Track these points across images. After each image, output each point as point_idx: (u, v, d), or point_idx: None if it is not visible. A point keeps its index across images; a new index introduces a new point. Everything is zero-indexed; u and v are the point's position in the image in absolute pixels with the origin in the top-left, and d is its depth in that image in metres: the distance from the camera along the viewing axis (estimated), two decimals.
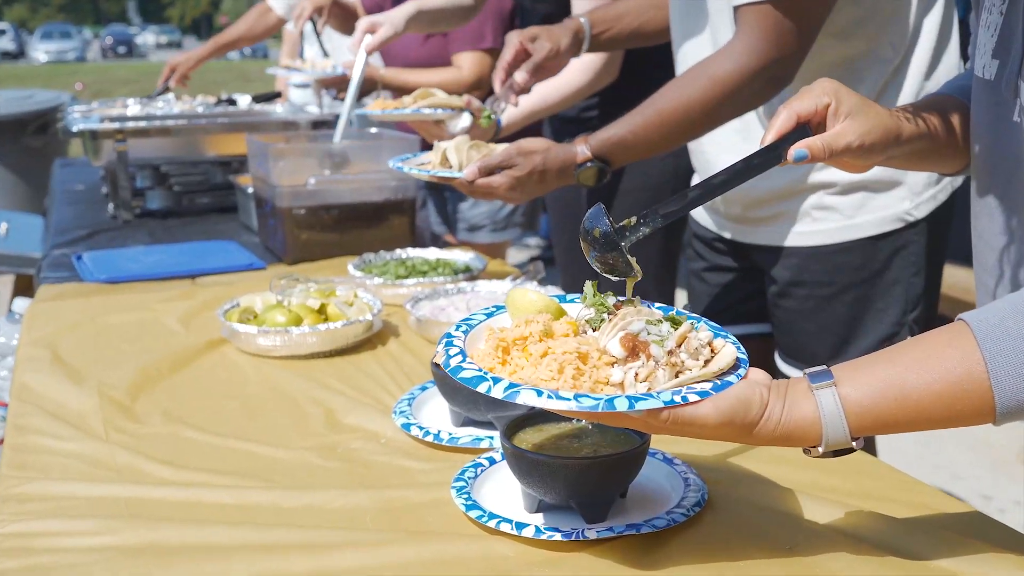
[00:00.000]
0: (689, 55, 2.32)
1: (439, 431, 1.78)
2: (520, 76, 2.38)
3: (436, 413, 1.91)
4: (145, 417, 1.92)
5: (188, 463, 1.72)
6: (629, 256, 1.34)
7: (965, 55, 1.87)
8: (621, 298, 1.37)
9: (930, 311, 2.33)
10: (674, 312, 1.35)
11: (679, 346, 1.25)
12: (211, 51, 5.30)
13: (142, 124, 3.82)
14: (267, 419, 1.92)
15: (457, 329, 1.36)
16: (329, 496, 1.58)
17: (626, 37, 2.58)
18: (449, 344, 1.31)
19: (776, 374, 2.40)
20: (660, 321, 1.29)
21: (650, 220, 1.35)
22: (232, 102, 4.55)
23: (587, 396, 1.17)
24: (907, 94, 2.14)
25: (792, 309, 2.32)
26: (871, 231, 2.21)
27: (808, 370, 1.25)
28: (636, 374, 1.23)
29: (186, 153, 3.90)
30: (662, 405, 1.17)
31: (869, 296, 2.24)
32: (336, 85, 4.20)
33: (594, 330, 1.32)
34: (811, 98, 1.41)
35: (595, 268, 1.37)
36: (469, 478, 1.59)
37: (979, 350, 1.16)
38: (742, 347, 1.31)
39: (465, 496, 1.53)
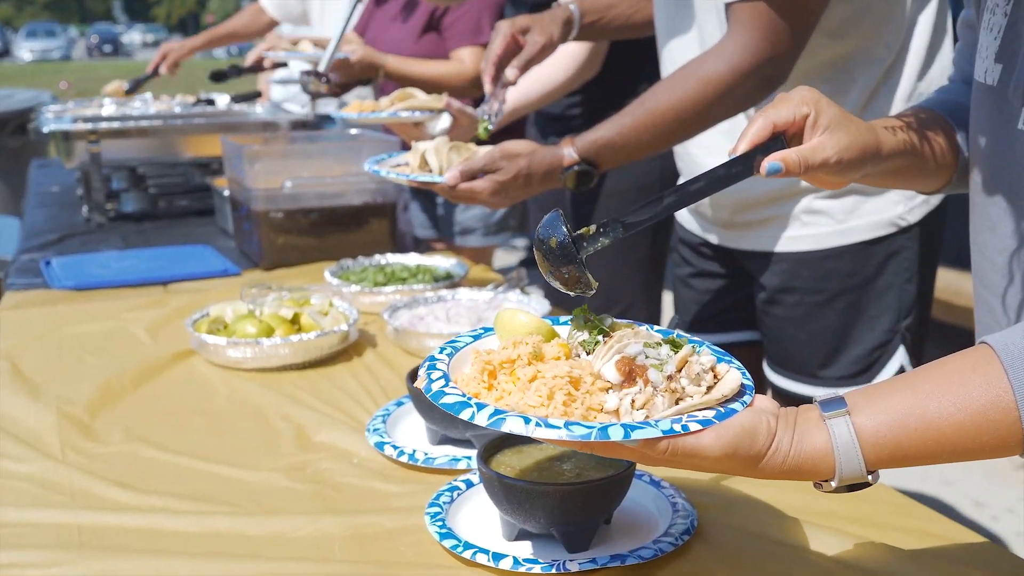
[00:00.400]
0: (675, 50, 2.26)
1: (414, 451, 1.69)
2: (511, 72, 2.29)
3: (412, 430, 1.82)
4: (105, 435, 1.83)
5: (148, 486, 1.62)
6: (586, 270, 1.24)
7: None
8: (618, 319, 1.28)
9: (923, 318, 2.28)
10: (674, 335, 1.25)
11: (679, 371, 1.15)
12: (204, 42, 5.21)
13: (116, 125, 3.72)
14: (234, 437, 1.83)
15: (441, 352, 1.26)
16: (296, 523, 1.49)
17: (616, 27, 2.51)
18: (432, 368, 1.21)
19: (765, 383, 2.35)
20: (659, 344, 1.20)
21: (611, 230, 1.24)
22: (211, 102, 4.45)
23: (579, 424, 1.07)
24: (900, 95, 2.09)
25: (781, 316, 2.26)
26: (863, 236, 2.15)
27: (819, 397, 1.15)
28: (633, 401, 1.13)
29: (163, 154, 3.81)
30: (660, 435, 1.07)
31: (861, 303, 2.19)
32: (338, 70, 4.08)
33: (588, 353, 1.23)
34: (789, 107, 1.31)
35: (549, 282, 1.26)
36: (444, 503, 1.50)
37: (1006, 377, 1.06)
38: (747, 373, 1.21)
39: (439, 523, 1.44)
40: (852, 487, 1.13)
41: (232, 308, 2.31)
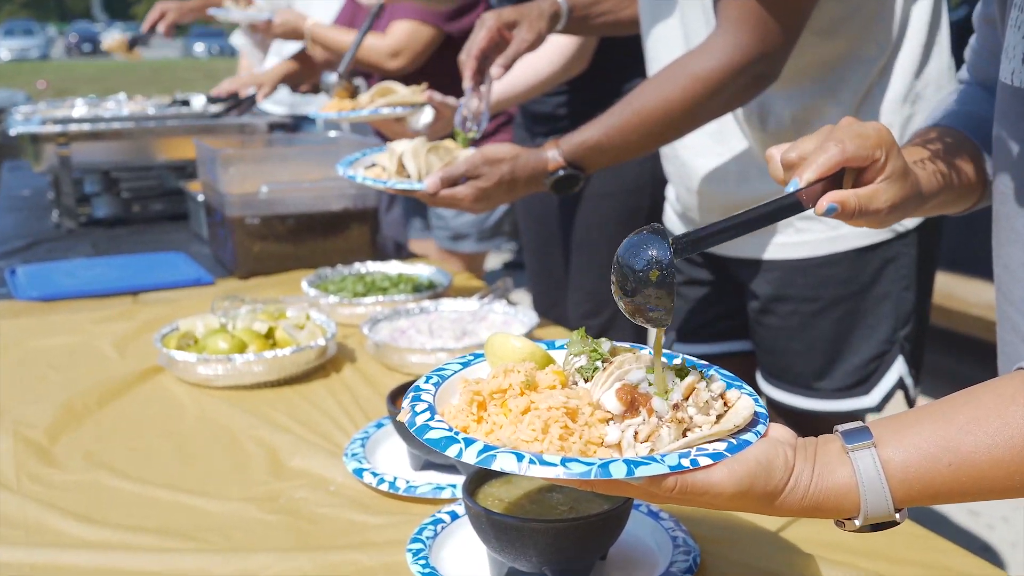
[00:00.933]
0: (659, 45, 2.20)
1: (395, 478, 1.58)
2: (496, 71, 2.20)
3: (393, 455, 1.71)
4: (64, 461, 1.71)
5: (108, 518, 1.51)
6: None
7: (958, 58, 1.75)
8: (617, 343, 1.16)
9: (922, 326, 2.22)
10: (682, 360, 1.14)
11: (686, 399, 1.04)
12: (201, 4, 5.08)
13: (87, 127, 3.59)
14: (202, 462, 1.72)
15: (427, 381, 1.15)
16: (267, 560, 1.38)
17: (603, 23, 2.42)
18: (416, 399, 1.10)
19: (758, 395, 2.22)
20: (664, 370, 1.09)
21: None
22: (186, 103, 4.33)
23: (577, 460, 0.95)
24: (894, 95, 2.03)
25: (775, 326, 2.20)
26: (858, 242, 2.09)
27: (842, 427, 1.03)
28: (636, 433, 1.01)
29: (136, 157, 3.69)
30: (667, 471, 0.96)
31: (857, 312, 2.13)
32: (263, 30, 4.04)
33: (586, 380, 1.11)
34: (866, 146, 1.20)
35: (629, 312, 1.09)
36: (428, 538, 1.39)
37: None
38: (760, 400, 1.10)
39: (422, 562, 1.33)
40: (877, 526, 1.02)
41: (203, 322, 2.19)
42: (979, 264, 4.55)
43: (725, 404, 1.07)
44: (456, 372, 1.18)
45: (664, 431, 1.01)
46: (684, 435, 1.02)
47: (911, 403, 2.21)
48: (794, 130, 2.02)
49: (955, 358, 4.75)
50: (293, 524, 1.49)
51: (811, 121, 2.02)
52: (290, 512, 1.53)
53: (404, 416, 1.07)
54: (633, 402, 1.03)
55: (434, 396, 1.11)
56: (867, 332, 2.13)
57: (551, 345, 1.23)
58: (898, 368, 2.15)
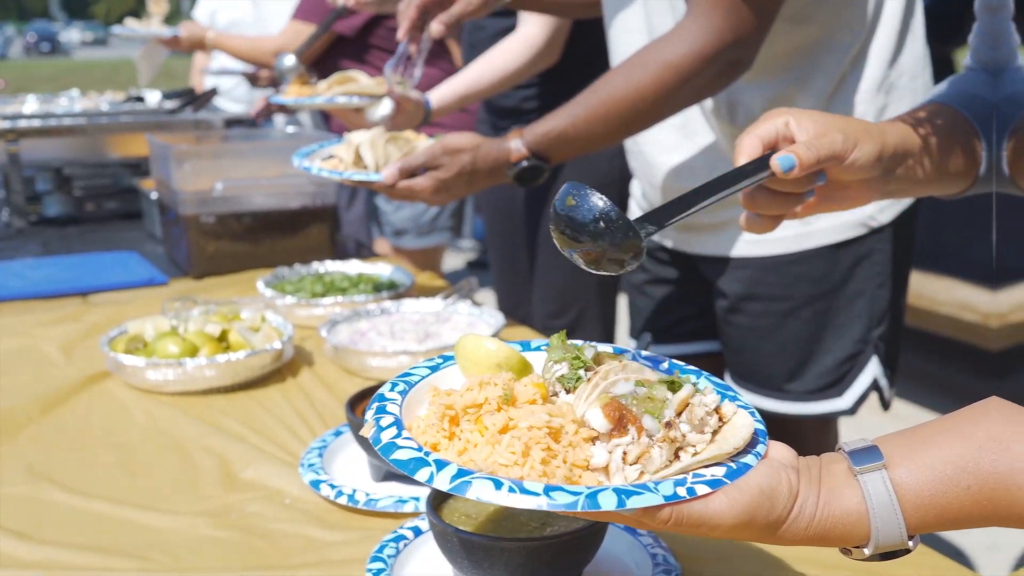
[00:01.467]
0: (622, 34, 2.11)
1: (354, 490, 1.49)
2: (436, 27, 2.09)
3: (352, 464, 1.62)
4: (4, 474, 1.61)
5: (48, 536, 1.41)
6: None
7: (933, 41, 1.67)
8: (601, 348, 1.07)
9: (897, 326, 2.15)
10: (676, 371, 1.05)
11: (679, 415, 0.96)
12: None
13: (36, 123, 3.48)
14: (150, 475, 1.62)
15: (392, 389, 1.05)
16: None
17: (555, 3, 2.35)
18: (381, 410, 1.00)
19: None
20: (656, 383, 0.99)
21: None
22: (140, 99, 4.22)
23: (562, 490, 0.86)
24: (868, 83, 1.96)
25: (745, 326, 2.13)
26: (831, 238, 2.01)
27: (848, 444, 0.94)
28: (624, 454, 0.92)
29: (89, 155, 3.58)
30: (662, 501, 0.87)
31: (830, 311, 2.05)
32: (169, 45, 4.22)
33: (567, 391, 1.02)
34: (767, 122, 1.19)
35: (588, 263, 1.03)
36: (389, 556, 1.30)
37: None
38: (756, 413, 1.01)
39: None
40: (887, 555, 0.94)
41: (153, 324, 2.09)
42: (948, 261, 4.53)
43: (720, 419, 0.98)
44: (424, 378, 1.09)
45: (655, 451, 0.92)
46: (677, 455, 0.94)
47: (886, 405, 2.15)
48: None
49: (923, 358, 4.70)
50: (246, 542, 1.40)
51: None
52: (242, 528, 1.44)
53: (368, 431, 0.97)
54: (621, 419, 0.94)
55: (400, 407, 1.01)
56: (840, 332, 2.07)
57: (526, 346, 1.14)
58: (872, 369, 2.08)
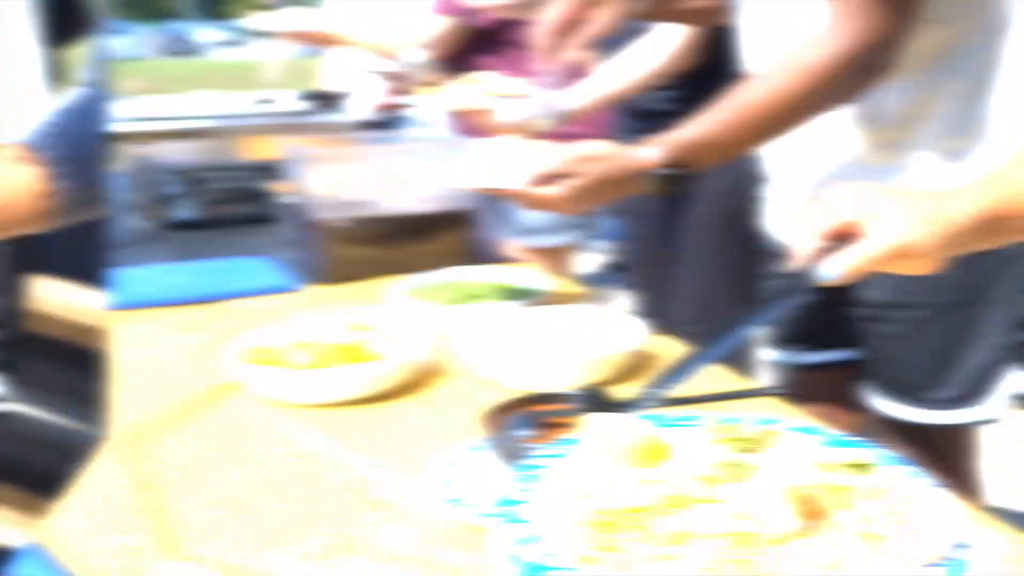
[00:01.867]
0: (757, 36, 2.10)
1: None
2: (575, 55, 2.07)
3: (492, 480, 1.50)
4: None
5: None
6: None
7: None
8: (755, 424, 0.92)
9: None
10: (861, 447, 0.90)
11: (873, 504, 0.79)
12: None
13: (165, 126, 3.48)
14: (275, 496, 1.51)
15: (521, 487, 0.91)
16: None
17: (679, 12, 2.38)
18: (511, 518, 0.85)
19: (860, 409, 2.18)
20: (840, 466, 0.83)
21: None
22: (269, 101, 4.22)
23: None
24: (1007, 86, 1.91)
25: (886, 334, 2.08)
26: None
27: None
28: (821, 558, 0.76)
29: (218, 157, 3.58)
30: None
31: (972, 317, 2.02)
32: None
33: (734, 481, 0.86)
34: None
35: None
36: None
37: None
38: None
39: None
40: None
41: (284, 333, 2.04)
42: None
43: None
44: (551, 468, 0.94)
45: (856, 553, 0.76)
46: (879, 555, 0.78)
47: None
48: (905, 127, 1.93)
49: None
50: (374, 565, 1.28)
51: (923, 116, 1.92)
52: (372, 552, 1.32)
53: (500, 549, 0.83)
54: (813, 512, 0.79)
55: (537, 513, 0.86)
56: (982, 338, 2.03)
57: (661, 422, 0.98)
58: (1015, 376, 2.07)
